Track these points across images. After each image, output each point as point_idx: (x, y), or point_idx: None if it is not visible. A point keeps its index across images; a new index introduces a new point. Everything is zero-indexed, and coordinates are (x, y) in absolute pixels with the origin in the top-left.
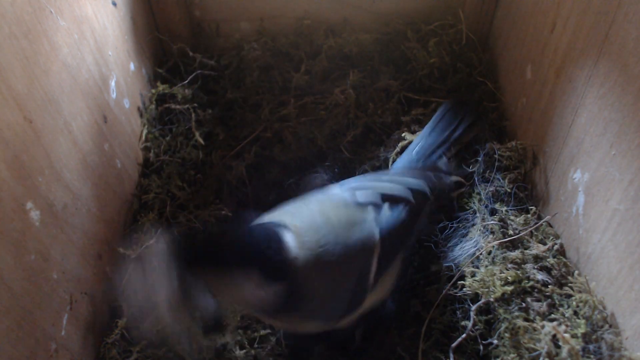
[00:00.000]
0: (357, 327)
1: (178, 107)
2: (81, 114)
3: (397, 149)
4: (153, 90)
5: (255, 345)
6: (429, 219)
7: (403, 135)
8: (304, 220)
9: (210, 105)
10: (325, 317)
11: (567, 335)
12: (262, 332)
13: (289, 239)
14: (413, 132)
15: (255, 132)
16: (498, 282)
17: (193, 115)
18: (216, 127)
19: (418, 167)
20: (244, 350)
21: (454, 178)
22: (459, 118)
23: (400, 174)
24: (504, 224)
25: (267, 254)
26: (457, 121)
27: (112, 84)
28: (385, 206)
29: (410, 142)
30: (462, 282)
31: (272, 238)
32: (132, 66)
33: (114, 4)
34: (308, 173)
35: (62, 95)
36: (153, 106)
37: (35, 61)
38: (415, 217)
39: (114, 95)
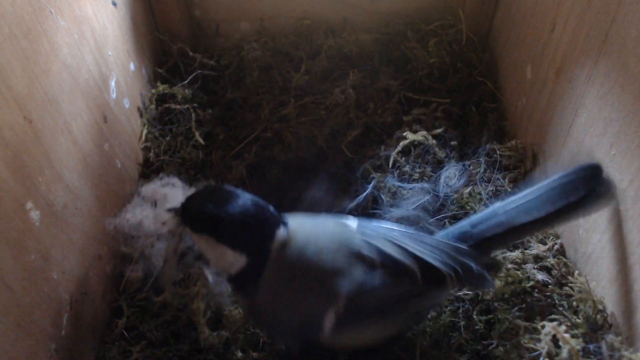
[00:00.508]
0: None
1: (178, 107)
2: (81, 114)
3: (399, 148)
4: (153, 90)
5: (259, 349)
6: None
7: (404, 134)
8: (304, 232)
9: (210, 105)
10: (269, 327)
11: (567, 336)
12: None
13: (281, 234)
14: (415, 132)
15: (255, 132)
16: (498, 282)
17: (193, 115)
18: (216, 127)
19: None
20: (245, 353)
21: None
22: (571, 194)
23: (439, 243)
24: None
25: (255, 231)
26: (564, 198)
27: (112, 84)
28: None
29: (411, 141)
30: None
31: (267, 222)
32: (132, 66)
33: (114, 4)
34: (308, 186)
35: (62, 95)
36: (153, 106)
37: (35, 61)
38: (412, 295)
39: (114, 95)
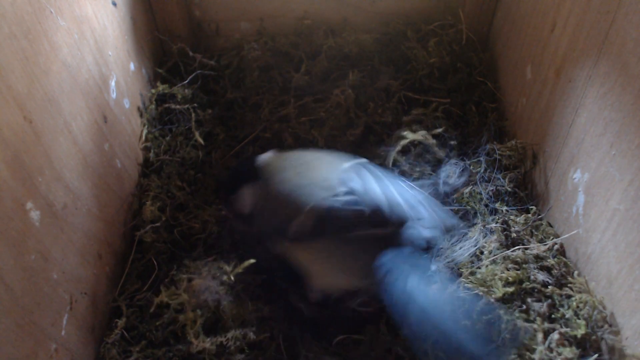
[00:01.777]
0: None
1: (178, 107)
2: (81, 114)
3: (399, 148)
4: (153, 90)
5: (256, 348)
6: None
7: (404, 134)
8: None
9: (210, 105)
10: (266, 230)
11: (566, 337)
12: (262, 336)
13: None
14: (414, 132)
15: (255, 132)
16: (499, 283)
17: (193, 115)
18: (216, 127)
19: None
20: (243, 355)
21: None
22: None
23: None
24: (504, 223)
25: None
26: None
27: (112, 84)
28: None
29: (411, 141)
30: (463, 281)
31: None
32: (132, 66)
33: (114, 4)
34: None
35: (62, 95)
36: (153, 106)
37: (35, 61)
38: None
39: (114, 95)
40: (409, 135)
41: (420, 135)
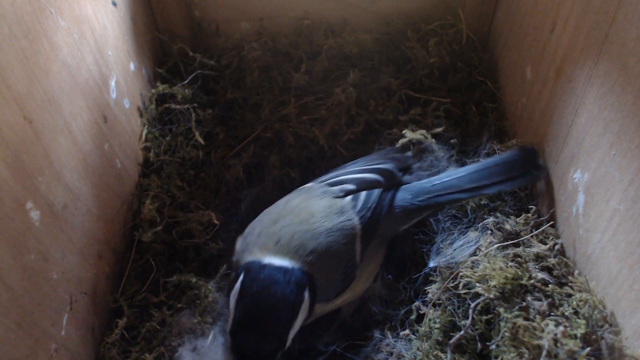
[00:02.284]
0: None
1: (178, 107)
2: (81, 114)
3: (398, 146)
4: (153, 90)
5: None
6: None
7: (404, 132)
8: (284, 233)
9: (210, 105)
10: (327, 297)
11: (567, 336)
12: None
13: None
14: (413, 131)
15: (255, 132)
16: (498, 281)
17: (193, 115)
18: (216, 127)
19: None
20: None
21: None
22: (510, 174)
23: (369, 159)
24: (504, 222)
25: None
26: (503, 176)
27: (112, 84)
28: (362, 193)
29: (409, 139)
30: (462, 280)
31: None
32: (132, 66)
33: (114, 4)
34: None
35: (62, 95)
36: (153, 106)
37: (35, 61)
38: (387, 194)
39: (114, 95)
40: (408, 134)
41: (419, 134)
